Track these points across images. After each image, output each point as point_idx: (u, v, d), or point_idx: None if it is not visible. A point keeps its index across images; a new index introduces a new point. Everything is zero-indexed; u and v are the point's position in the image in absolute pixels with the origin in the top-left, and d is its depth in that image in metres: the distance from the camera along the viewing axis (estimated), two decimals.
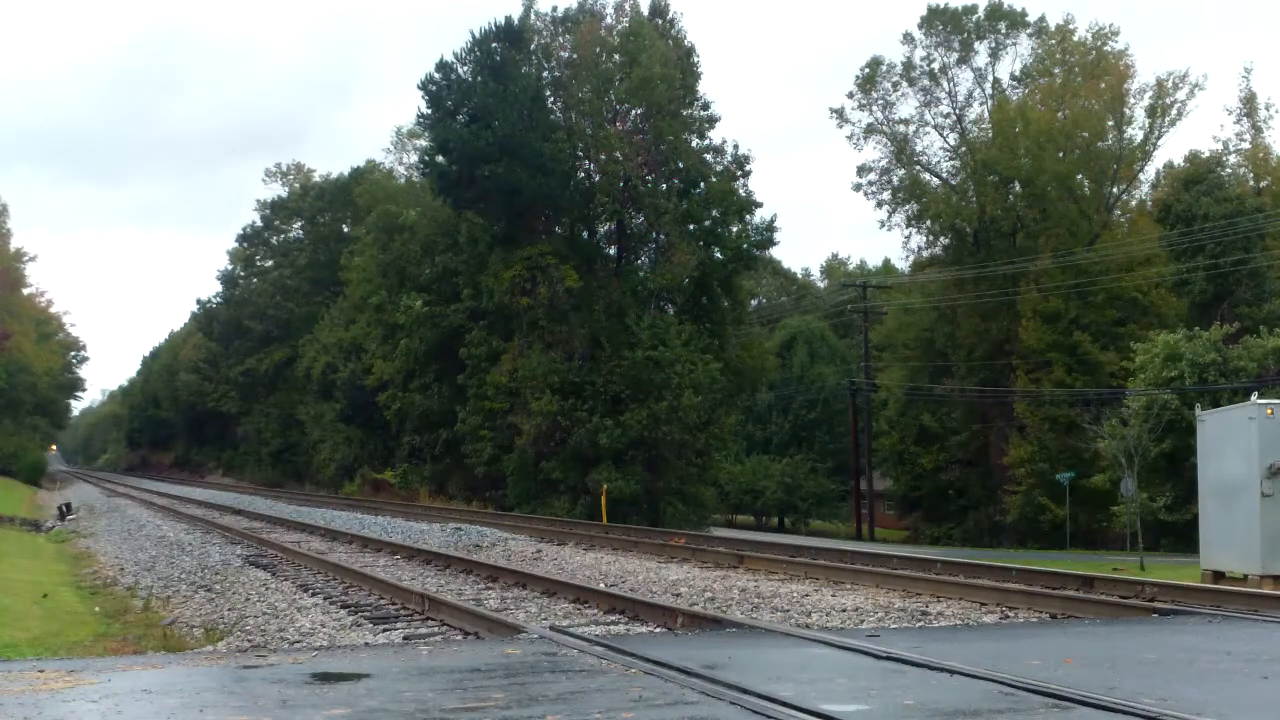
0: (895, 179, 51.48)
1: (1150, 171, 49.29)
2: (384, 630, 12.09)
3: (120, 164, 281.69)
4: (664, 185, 43.03)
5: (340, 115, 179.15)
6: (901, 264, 60.24)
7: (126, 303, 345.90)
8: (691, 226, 43.47)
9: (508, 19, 43.23)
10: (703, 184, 43.84)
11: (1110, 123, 46.12)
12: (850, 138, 51.45)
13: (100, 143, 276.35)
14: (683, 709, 6.56)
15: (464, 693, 6.83)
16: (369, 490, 53.22)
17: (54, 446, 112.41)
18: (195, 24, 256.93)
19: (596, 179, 43.08)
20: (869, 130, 51.22)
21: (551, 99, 43.73)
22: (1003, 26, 50.39)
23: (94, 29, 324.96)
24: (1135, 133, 46.37)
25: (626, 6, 44.52)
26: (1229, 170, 46.72)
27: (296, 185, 76.45)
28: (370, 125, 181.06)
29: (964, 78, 50.79)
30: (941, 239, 51.99)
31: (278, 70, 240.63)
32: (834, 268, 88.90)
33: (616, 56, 43.15)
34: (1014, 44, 50.52)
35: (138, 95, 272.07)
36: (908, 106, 51.34)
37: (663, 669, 7.43)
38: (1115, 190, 47.83)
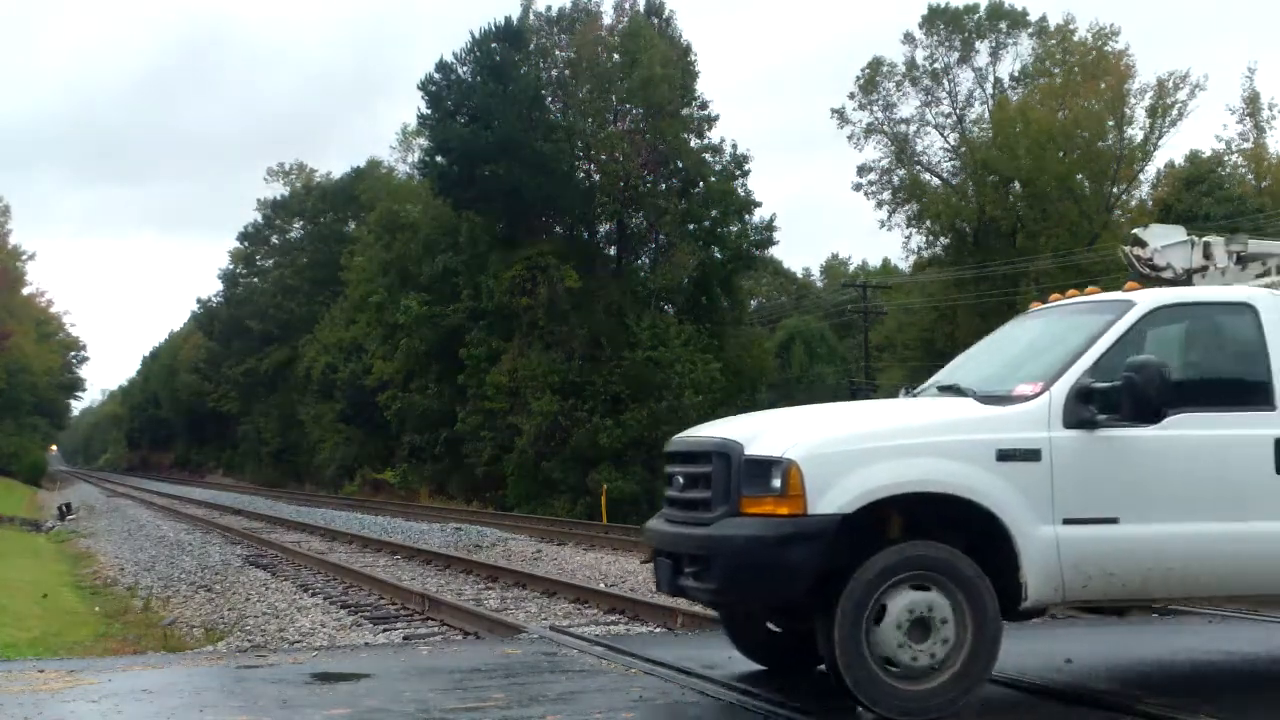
0: (895, 179, 51.48)
1: (1151, 171, 49.32)
2: (384, 630, 12.10)
3: (130, 166, 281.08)
4: (664, 185, 43.04)
5: (358, 116, 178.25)
6: (901, 264, 60.24)
7: (126, 303, 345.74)
8: (691, 226, 43.47)
9: (507, 19, 43.32)
10: (702, 184, 43.84)
11: (1110, 123, 46.12)
12: (851, 138, 51.44)
13: (111, 145, 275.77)
14: (683, 709, 6.56)
15: (464, 693, 6.83)
16: (369, 490, 53.21)
17: (54, 447, 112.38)
18: (212, 27, 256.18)
19: (596, 179, 43.08)
20: (869, 130, 51.22)
21: (550, 99, 43.74)
22: (1004, 26, 50.39)
23: (109, 33, 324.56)
24: (1136, 133, 46.40)
25: (626, 6, 44.59)
26: (1229, 170, 46.74)
27: (298, 185, 76.41)
28: (388, 126, 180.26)
29: (965, 77, 50.81)
30: (941, 239, 52.00)
31: (294, 72, 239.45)
32: (834, 268, 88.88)
33: (616, 56, 43.18)
34: (1015, 44, 50.55)
35: (151, 98, 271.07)
36: (908, 106, 51.37)
37: (663, 669, 7.43)
38: (1115, 190, 47.82)
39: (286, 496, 51.41)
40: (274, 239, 77.12)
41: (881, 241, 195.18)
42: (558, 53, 44.88)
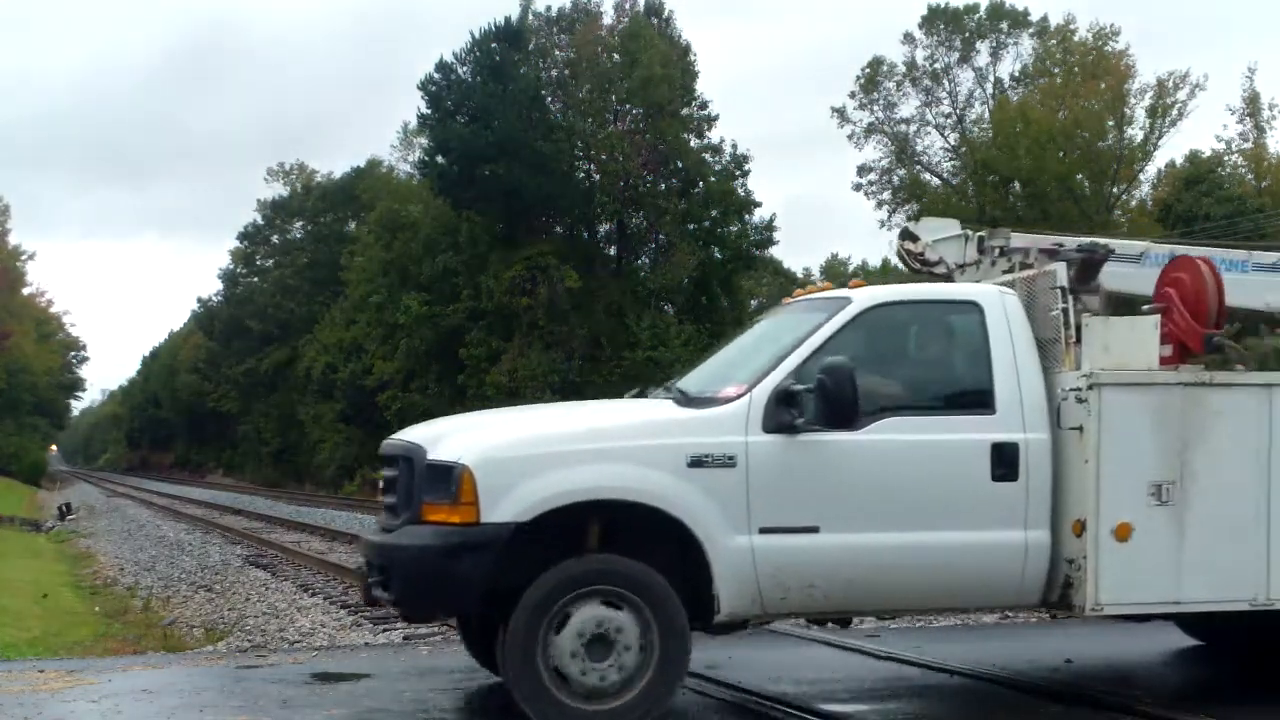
0: (896, 179, 51.46)
1: (1151, 171, 49.30)
2: (384, 630, 12.08)
3: (131, 166, 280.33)
4: (664, 185, 43.06)
5: (359, 116, 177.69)
6: (902, 264, 60.20)
7: (126, 303, 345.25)
8: (691, 226, 43.49)
9: (507, 19, 43.31)
10: (702, 184, 43.87)
11: (1110, 123, 46.10)
12: (851, 138, 51.37)
13: (113, 146, 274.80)
14: (684, 709, 6.56)
15: (464, 693, 6.84)
16: (369, 490, 53.12)
17: (54, 447, 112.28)
18: (213, 28, 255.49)
19: (596, 179, 43.11)
20: (869, 130, 51.17)
21: (550, 99, 43.77)
22: (1004, 26, 50.42)
23: (111, 34, 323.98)
24: (1136, 133, 46.37)
25: (626, 6, 44.60)
26: (1229, 170, 46.72)
27: (298, 185, 76.37)
28: (389, 126, 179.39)
29: (965, 77, 50.77)
30: None
31: (294, 73, 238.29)
32: (834, 268, 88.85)
33: (616, 56, 43.21)
34: (1015, 44, 50.54)
35: (153, 99, 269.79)
36: (908, 106, 51.35)
37: None
38: (1116, 190, 47.80)
39: (286, 496, 51.39)
40: (274, 239, 77.08)
41: (881, 241, 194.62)
42: (557, 53, 44.88)
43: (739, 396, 5.86)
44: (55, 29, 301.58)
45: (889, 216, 51.73)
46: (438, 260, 46.56)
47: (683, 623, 5.65)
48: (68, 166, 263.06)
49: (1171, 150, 50.35)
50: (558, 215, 44.18)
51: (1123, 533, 5.97)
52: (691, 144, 44.00)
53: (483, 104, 41.30)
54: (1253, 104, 46.24)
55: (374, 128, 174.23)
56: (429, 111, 43.64)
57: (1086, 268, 6.50)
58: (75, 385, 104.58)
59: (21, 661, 8.80)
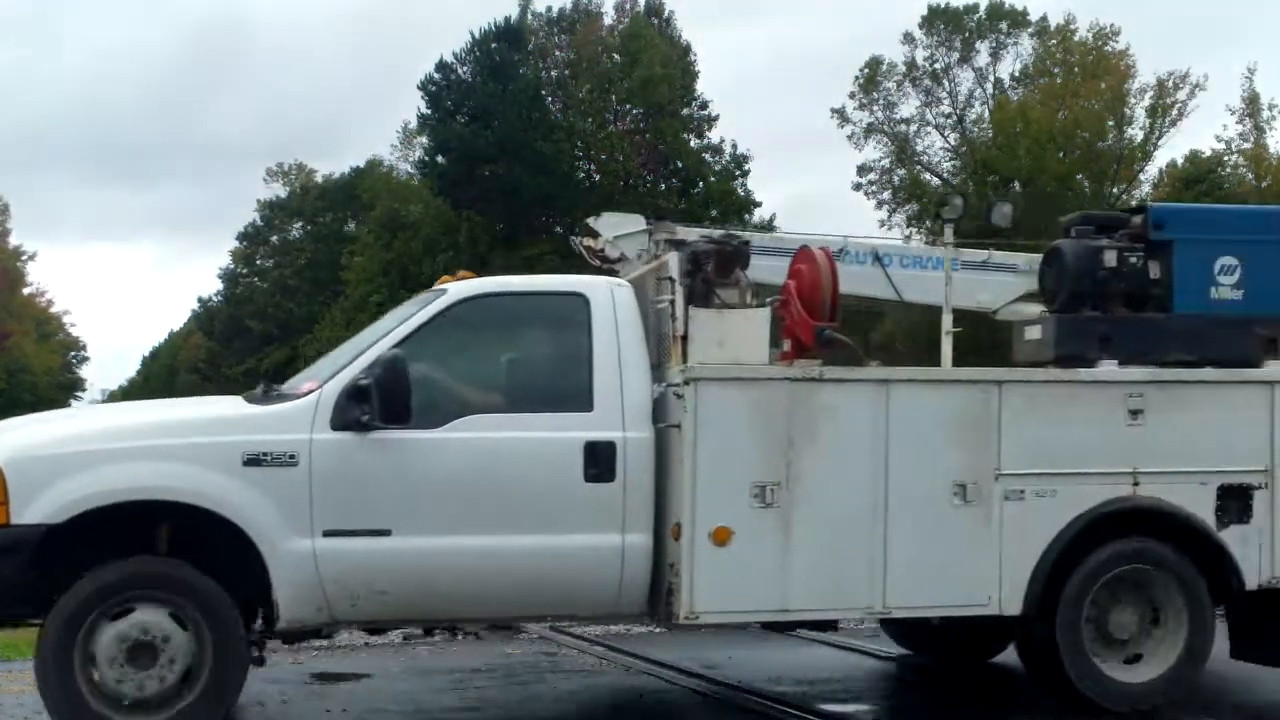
0: (896, 179, 51.45)
1: (1151, 171, 49.31)
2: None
3: (133, 168, 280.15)
4: (664, 185, 43.10)
5: (358, 116, 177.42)
6: None
7: (127, 303, 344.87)
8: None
9: (507, 19, 43.37)
10: (702, 184, 43.90)
11: (1110, 123, 46.11)
12: (851, 138, 51.34)
13: (115, 147, 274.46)
14: (684, 709, 6.57)
15: (464, 693, 6.85)
16: None
17: None
18: (215, 29, 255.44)
19: (597, 179, 43.15)
20: (869, 130, 51.16)
21: (550, 99, 43.82)
22: (1004, 26, 50.43)
23: (111, 35, 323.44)
24: (1136, 133, 46.37)
25: (626, 6, 44.64)
26: (1229, 170, 46.75)
27: (297, 186, 76.32)
28: (389, 126, 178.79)
29: (965, 77, 50.77)
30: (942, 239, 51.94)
31: (294, 73, 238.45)
32: None
33: (616, 56, 43.26)
34: (1015, 44, 50.55)
35: (155, 100, 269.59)
36: (908, 106, 51.34)
37: (663, 669, 7.45)
38: (1116, 190, 47.79)
39: None
40: (274, 239, 77.05)
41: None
42: (557, 53, 44.94)
43: (310, 392, 5.64)
44: (56, 29, 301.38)
45: (889, 216, 51.77)
46: (438, 260, 46.49)
47: (238, 630, 5.42)
48: (68, 166, 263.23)
49: (1172, 150, 50.26)
50: (558, 215, 44.18)
51: (721, 537, 5.66)
52: (691, 144, 44.02)
53: (483, 104, 41.34)
54: (1253, 104, 46.24)
55: (374, 128, 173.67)
56: (429, 111, 43.69)
57: (723, 260, 6.14)
58: (75, 385, 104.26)
59: (22, 661, 8.79)
